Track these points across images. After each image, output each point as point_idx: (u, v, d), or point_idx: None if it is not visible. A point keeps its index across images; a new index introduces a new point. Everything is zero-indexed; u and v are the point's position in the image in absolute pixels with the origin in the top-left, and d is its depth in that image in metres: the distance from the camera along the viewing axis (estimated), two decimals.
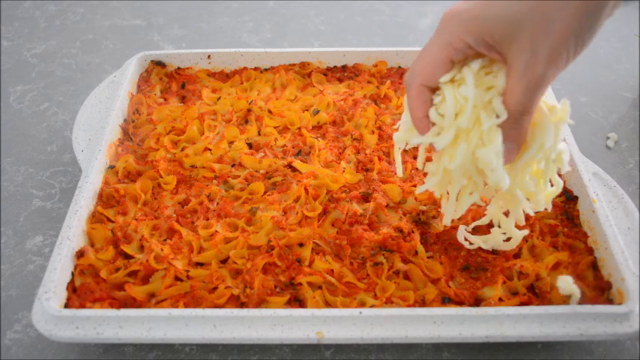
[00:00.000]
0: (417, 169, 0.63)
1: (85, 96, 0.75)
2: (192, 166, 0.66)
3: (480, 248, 0.57)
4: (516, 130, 0.45)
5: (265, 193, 0.63)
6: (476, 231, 0.57)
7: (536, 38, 0.41)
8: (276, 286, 0.54)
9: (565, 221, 0.60)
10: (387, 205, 0.61)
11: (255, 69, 0.80)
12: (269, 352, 0.55)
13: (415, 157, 0.66)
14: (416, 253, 0.56)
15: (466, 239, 0.56)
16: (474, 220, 0.58)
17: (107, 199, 0.62)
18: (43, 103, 0.85)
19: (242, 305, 0.53)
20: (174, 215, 0.61)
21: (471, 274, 0.55)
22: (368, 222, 0.60)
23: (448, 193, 0.52)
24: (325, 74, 0.79)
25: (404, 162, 0.65)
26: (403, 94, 0.74)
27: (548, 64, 0.42)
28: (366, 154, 0.68)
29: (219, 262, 0.56)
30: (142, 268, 0.55)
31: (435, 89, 0.46)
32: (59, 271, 0.53)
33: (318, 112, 0.72)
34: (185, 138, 0.69)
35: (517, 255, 0.57)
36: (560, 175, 0.64)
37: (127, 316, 0.50)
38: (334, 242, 0.58)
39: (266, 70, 0.80)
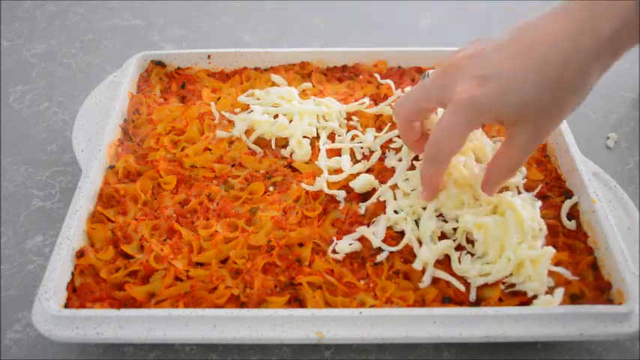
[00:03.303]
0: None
1: (85, 96, 0.75)
2: (192, 166, 0.66)
3: None
4: (500, 178, 0.54)
5: (265, 193, 0.63)
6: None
7: (541, 125, 0.48)
8: (276, 286, 0.54)
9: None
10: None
11: (255, 69, 0.80)
12: (269, 352, 0.55)
13: (416, 158, 0.66)
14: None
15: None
16: None
17: (107, 199, 0.62)
18: (43, 103, 0.85)
19: (242, 305, 0.53)
20: (174, 215, 0.61)
21: None
22: (368, 222, 0.60)
23: None
24: (325, 74, 0.79)
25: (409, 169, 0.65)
26: (403, 91, 0.74)
27: (545, 138, 0.52)
28: (365, 155, 0.68)
29: (219, 262, 0.56)
30: (142, 268, 0.55)
31: None
32: (59, 271, 0.53)
33: None
34: (185, 138, 0.69)
35: None
36: (559, 176, 0.64)
37: (127, 316, 0.50)
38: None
39: (266, 70, 0.80)
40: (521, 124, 0.48)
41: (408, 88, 0.73)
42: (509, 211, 0.55)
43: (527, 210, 0.55)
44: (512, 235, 0.53)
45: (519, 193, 0.60)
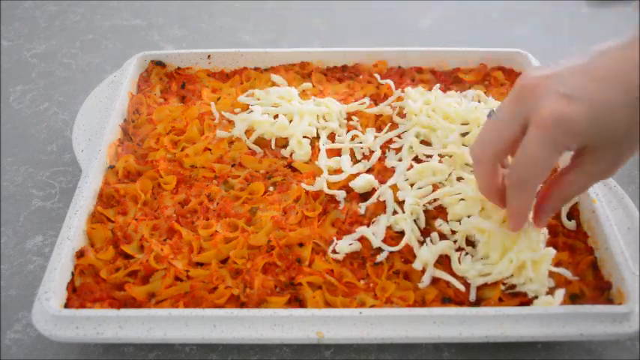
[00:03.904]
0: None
1: (85, 96, 0.75)
2: (192, 166, 0.66)
3: None
4: (559, 205, 0.52)
5: (265, 193, 0.63)
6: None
7: (621, 155, 0.46)
8: (276, 286, 0.54)
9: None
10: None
11: (255, 69, 0.80)
12: (269, 352, 0.55)
13: (416, 158, 0.66)
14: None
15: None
16: None
17: (107, 199, 0.62)
18: (43, 103, 0.85)
19: (242, 305, 0.53)
20: (174, 215, 0.61)
21: None
22: (368, 222, 0.60)
23: None
24: (325, 74, 0.79)
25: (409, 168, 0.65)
26: (403, 91, 0.74)
27: (621, 166, 0.47)
28: (365, 155, 0.68)
29: (219, 262, 0.56)
30: (142, 268, 0.55)
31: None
32: (59, 271, 0.53)
33: None
34: (185, 138, 0.69)
35: None
36: None
37: (127, 316, 0.50)
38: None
39: (266, 70, 0.80)
40: (605, 148, 0.45)
41: (408, 88, 0.73)
42: None
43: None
44: (517, 241, 0.53)
45: None
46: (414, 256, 0.56)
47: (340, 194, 0.62)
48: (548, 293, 0.52)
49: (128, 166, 0.65)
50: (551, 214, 0.53)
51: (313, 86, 0.77)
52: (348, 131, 0.70)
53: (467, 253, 0.56)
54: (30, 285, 0.61)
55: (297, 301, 0.53)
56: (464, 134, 0.67)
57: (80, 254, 0.56)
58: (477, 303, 0.53)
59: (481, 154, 0.49)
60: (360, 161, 0.67)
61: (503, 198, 0.51)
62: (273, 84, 0.77)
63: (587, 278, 0.55)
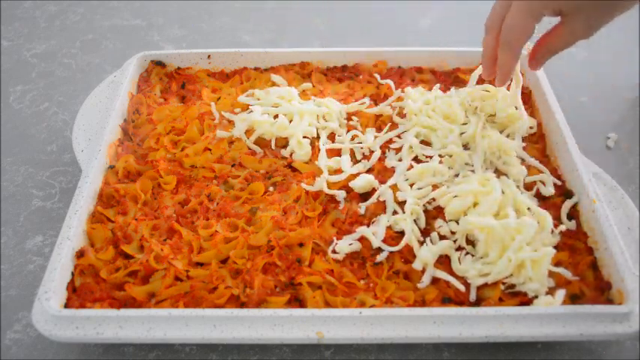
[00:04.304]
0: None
1: (85, 96, 0.75)
2: (192, 166, 0.66)
3: None
4: (547, 54, 0.60)
5: (265, 193, 0.63)
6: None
7: (594, 16, 0.54)
8: (276, 286, 0.54)
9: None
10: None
11: (255, 69, 0.80)
12: (269, 352, 0.55)
13: (415, 159, 0.66)
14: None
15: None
16: None
17: (107, 199, 0.62)
18: (43, 103, 0.85)
19: (242, 305, 0.53)
20: (174, 215, 0.61)
21: None
22: (368, 222, 0.60)
23: None
24: (325, 74, 0.79)
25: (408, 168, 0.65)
26: (403, 91, 0.74)
27: (595, 30, 0.55)
28: (365, 155, 0.68)
29: (219, 262, 0.56)
30: (142, 268, 0.55)
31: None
32: (59, 271, 0.53)
33: None
34: (185, 138, 0.69)
35: None
36: (560, 176, 0.64)
37: (127, 316, 0.50)
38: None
39: (266, 70, 0.80)
40: (576, 14, 0.54)
41: (408, 88, 0.73)
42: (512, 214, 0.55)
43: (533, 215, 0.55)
44: (517, 238, 0.53)
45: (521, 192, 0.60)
46: (414, 256, 0.56)
47: (340, 194, 0.62)
48: (548, 293, 0.52)
49: (128, 166, 0.65)
50: (542, 62, 0.61)
51: (313, 86, 0.77)
52: (348, 131, 0.70)
53: (467, 253, 0.56)
54: (30, 285, 0.61)
55: (297, 301, 0.53)
56: (464, 134, 0.67)
57: (80, 254, 0.56)
58: (477, 303, 0.53)
59: (490, 24, 0.59)
60: (360, 161, 0.67)
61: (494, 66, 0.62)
62: (273, 84, 0.77)
63: (587, 278, 0.55)
